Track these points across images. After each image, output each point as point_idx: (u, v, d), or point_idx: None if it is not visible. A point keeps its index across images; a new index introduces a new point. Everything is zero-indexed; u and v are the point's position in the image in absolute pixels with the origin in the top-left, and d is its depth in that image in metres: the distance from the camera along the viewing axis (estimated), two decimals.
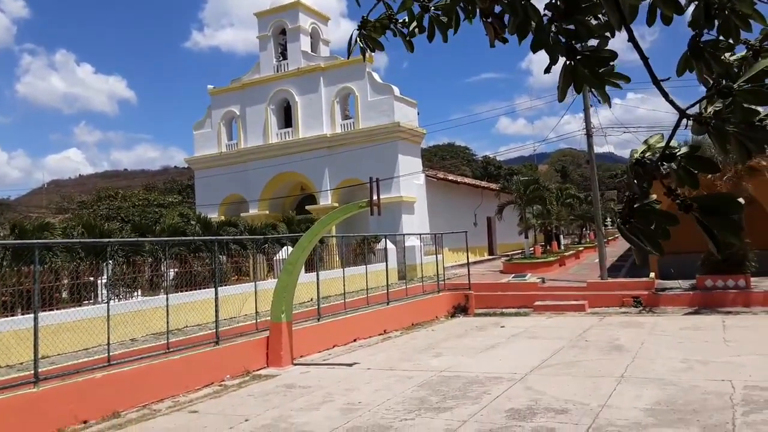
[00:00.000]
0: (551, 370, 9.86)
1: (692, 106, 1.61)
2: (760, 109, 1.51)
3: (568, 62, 1.73)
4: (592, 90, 1.85)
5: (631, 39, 1.65)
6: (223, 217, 26.55)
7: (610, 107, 1.81)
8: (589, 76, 1.72)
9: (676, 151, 1.58)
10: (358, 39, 2.37)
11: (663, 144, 1.62)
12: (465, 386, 8.94)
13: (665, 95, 1.67)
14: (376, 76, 27.66)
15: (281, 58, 29.75)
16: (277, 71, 29.47)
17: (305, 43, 29.40)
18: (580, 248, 34.56)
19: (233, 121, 31.07)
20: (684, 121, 1.60)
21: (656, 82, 1.63)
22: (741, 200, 1.53)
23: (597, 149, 21.78)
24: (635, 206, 1.57)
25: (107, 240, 12.10)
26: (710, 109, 1.56)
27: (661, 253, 1.55)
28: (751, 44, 2.14)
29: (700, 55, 1.85)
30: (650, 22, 1.79)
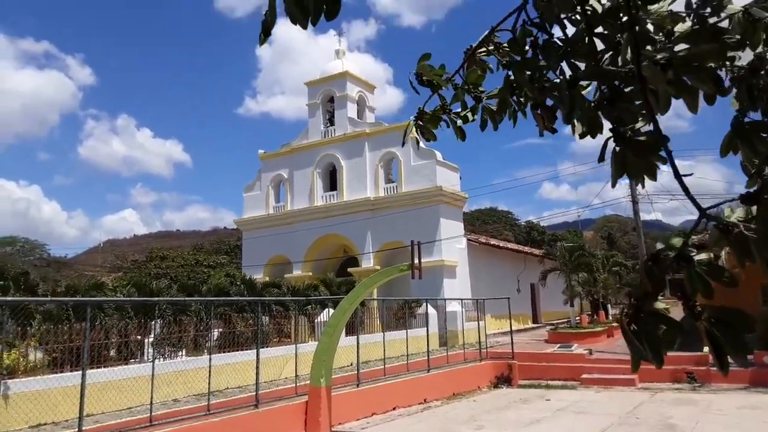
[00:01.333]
0: None
1: (713, 207, 1.58)
2: None
3: (617, 148, 1.72)
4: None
5: (656, 130, 1.66)
6: (267, 278, 26.98)
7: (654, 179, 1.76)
8: (641, 163, 1.69)
9: (694, 254, 1.48)
10: (414, 128, 2.49)
11: (676, 240, 1.55)
12: None
13: (686, 191, 1.62)
14: (420, 140, 28.23)
15: (329, 124, 30.86)
16: (325, 136, 30.50)
17: (352, 109, 30.48)
18: None
19: (281, 184, 32.05)
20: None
21: (678, 177, 1.60)
22: (753, 320, 1.47)
23: (644, 216, 21.43)
24: (644, 306, 1.48)
25: (156, 299, 12.47)
26: (734, 217, 1.50)
27: (661, 364, 1.47)
28: None
29: (744, 135, 1.82)
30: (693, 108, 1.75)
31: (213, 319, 14.25)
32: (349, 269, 28.05)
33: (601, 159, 1.84)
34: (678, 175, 1.59)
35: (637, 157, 1.71)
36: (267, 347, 14.31)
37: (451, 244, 26.72)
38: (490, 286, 27.39)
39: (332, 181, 30.44)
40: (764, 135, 1.84)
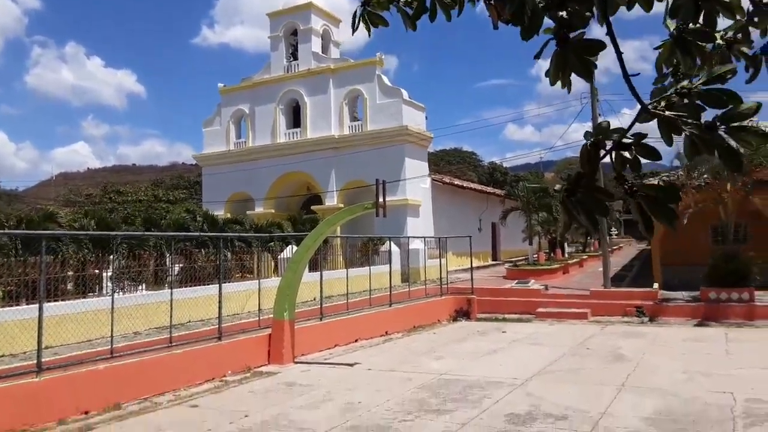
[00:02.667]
0: (552, 376, 9.86)
1: (652, 102, 1.77)
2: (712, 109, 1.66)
3: (558, 49, 1.83)
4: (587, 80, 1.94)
5: (609, 33, 1.76)
6: (229, 215, 26.67)
7: (569, 91, 1.98)
8: (578, 63, 1.82)
9: (630, 141, 1.75)
10: (361, 16, 2.41)
11: (612, 128, 1.79)
12: (465, 390, 8.95)
13: (632, 89, 1.81)
14: (385, 79, 27.72)
15: (292, 59, 29.86)
16: (288, 71, 29.58)
17: (316, 44, 29.50)
18: (584, 257, 34.46)
19: (242, 119, 31.22)
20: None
21: (626, 77, 1.78)
22: (679, 191, 1.72)
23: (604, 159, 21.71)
24: (580, 183, 1.72)
25: (113, 233, 12.17)
26: (663, 103, 1.73)
27: (596, 227, 1.75)
28: (724, 37, 2.23)
29: (683, 44, 1.99)
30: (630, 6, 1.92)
31: (173, 254, 14.07)
32: (313, 207, 27.94)
33: (537, 56, 1.93)
34: (626, 76, 1.77)
35: (577, 58, 1.82)
36: (229, 282, 14.29)
37: (416, 183, 26.79)
38: (453, 224, 27.77)
39: (295, 118, 29.79)
40: (702, 44, 2.00)
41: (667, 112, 1.69)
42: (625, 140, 1.76)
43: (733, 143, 1.60)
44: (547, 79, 1.94)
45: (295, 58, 29.67)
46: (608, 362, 10.91)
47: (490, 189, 39.93)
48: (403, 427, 7.18)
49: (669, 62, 2.20)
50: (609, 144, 1.78)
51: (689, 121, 1.64)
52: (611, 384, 9.08)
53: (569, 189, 1.73)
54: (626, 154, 1.75)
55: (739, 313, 15.48)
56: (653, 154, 1.75)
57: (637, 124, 1.78)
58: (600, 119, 20.22)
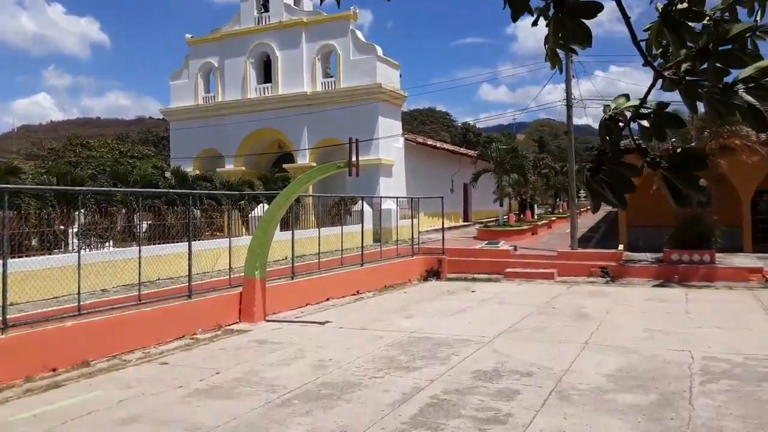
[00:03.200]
0: (518, 334, 10.11)
1: (668, 67, 1.71)
2: (731, 70, 1.61)
3: (555, 15, 1.78)
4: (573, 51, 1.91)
5: None
6: (198, 171, 26.19)
7: (561, 71, 1.91)
8: (576, 29, 1.77)
9: (649, 110, 1.69)
10: None
11: (630, 104, 1.73)
12: (434, 347, 9.13)
13: (643, 55, 1.75)
14: (359, 34, 27.15)
15: (263, 10, 28.93)
16: (258, 23, 28.71)
17: None
18: (553, 218, 35.08)
19: (211, 72, 30.36)
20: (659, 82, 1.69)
21: (636, 42, 1.71)
22: (706, 159, 1.67)
23: (576, 121, 21.94)
24: (604, 161, 1.67)
25: (80, 188, 11.84)
26: (683, 67, 1.66)
27: (624, 205, 1.69)
28: (711, 16, 2.22)
29: (671, 24, 1.93)
30: None
31: (142, 211, 13.80)
32: (285, 165, 27.64)
33: (535, 24, 1.90)
34: (636, 40, 1.72)
35: (574, 23, 1.77)
36: (199, 240, 14.13)
37: (389, 143, 26.63)
38: (426, 185, 27.82)
39: (266, 73, 29.09)
40: (691, 24, 1.95)
41: (687, 78, 1.64)
42: (643, 110, 1.70)
43: (755, 103, 1.55)
44: (523, 39, 1.89)
45: (266, 10, 28.76)
46: (573, 321, 11.22)
47: (463, 150, 40.00)
48: (374, 383, 7.31)
49: (658, 44, 2.17)
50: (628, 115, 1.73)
51: (708, 84, 1.59)
52: (575, 342, 9.35)
53: (592, 168, 1.69)
54: (645, 123, 1.70)
55: (700, 274, 16.01)
56: (677, 122, 1.70)
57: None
58: (573, 81, 20.27)
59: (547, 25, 1.83)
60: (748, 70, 1.56)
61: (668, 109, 1.76)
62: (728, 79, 1.63)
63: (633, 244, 19.41)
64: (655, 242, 17.91)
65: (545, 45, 1.86)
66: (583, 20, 1.75)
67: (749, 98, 1.54)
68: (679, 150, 1.62)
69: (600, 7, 1.75)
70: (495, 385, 7.15)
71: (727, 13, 2.21)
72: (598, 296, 14.20)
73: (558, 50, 1.90)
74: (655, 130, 1.68)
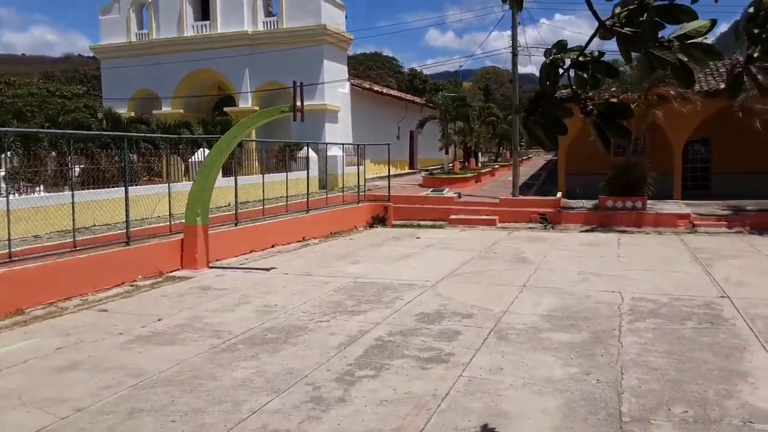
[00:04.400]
0: (461, 278, 10.40)
1: (609, 18, 1.77)
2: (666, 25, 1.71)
3: None
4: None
5: None
6: (132, 114, 24.98)
7: (521, 9, 1.93)
8: None
9: (588, 58, 1.78)
10: None
11: (571, 50, 1.80)
12: (379, 292, 9.28)
13: (589, 5, 1.79)
14: None
15: None
16: None
17: None
18: (496, 166, 35.71)
19: (144, 7, 28.54)
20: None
21: None
22: (629, 107, 1.78)
23: (521, 69, 22.05)
24: (541, 104, 1.78)
25: (4, 129, 11.05)
26: (623, 18, 1.74)
27: (555, 146, 1.86)
28: None
29: None
30: None
31: (73, 154, 13.10)
32: (225, 108, 26.69)
33: None
34: None
35: None
36: (136, 185, 13.61)
37: (334, 87, 26.08)
38: (372, 132, 27.59)
39: (204, 10, 27.60)
40: None
41: (625, 29, 1.71)
42: (581, 58, 1.78)
43: (685, 60, 1.65)
44: None
45: None
46: (512, 265, 11.61)
47: (409, 96, 39.74)
48: (319, 327, 7.39)
49: None
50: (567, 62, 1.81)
51: (645, 38, 1.67)
52: (514, 284, 9.71)
53: (529, 109, 1.78)
54: (583, 74, 1.79)
55: (632, 220, 16.78)
56: (611, 71, 1.78)
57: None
58: (519, 28, 20.26)
59: None
60: (687, 26, 1.64)
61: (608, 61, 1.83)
62: (665, 34, 1.70)
63: (571, 192, 20.08)
64: (592, 190, 18.57)
65: None
66: None
67: (681, 55, 1.65)
68: (607, 100, 1.77)
69: None
70: (437, 326, 7.37)
71: None
72: (537, 241, 14.71)
73: None
74: (590, 77, 1.76)
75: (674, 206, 17.97)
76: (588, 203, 18.39)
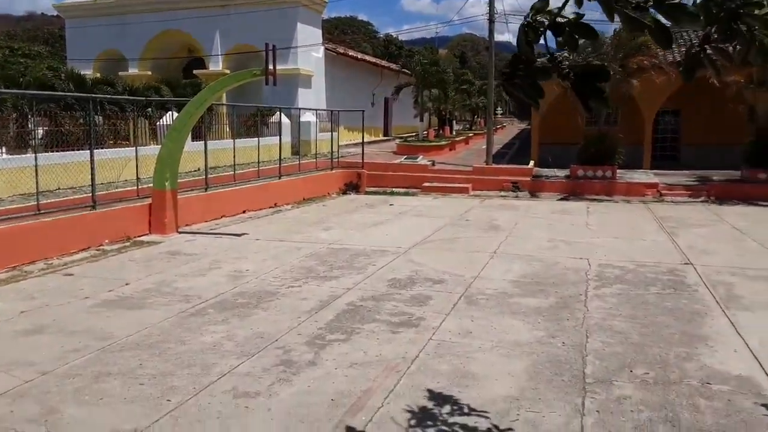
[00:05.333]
0: (433, 245, 10.45)
1: None
2: None
3: None
4: None
5: None
6: (98, 75, 24.14)
7: None
8: None
9: (565, 20, 1.76)
10: None
11: (549, 7, 1.78)
12: (352, 258, 9.28)
13: None
14: None
15: None
16: None
17: None
18: (471, 134, 35.72)
19: None
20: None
21: None
22: (608, 70, 1.79)
23: (498, 37, 21.92)
24: (520, 66, 1.78)
25: None
26: None
27: (537, 106, 1.84)
28: None
29: None
30: None
31: (37, 116, 12.65)
32: (195, 71, 25.95)
33: None
34: None
35: None
36: (102, 149, 13.25)
37: (308, 52, 25.54)
38: (346, 98, 27.24)
39: None
40: None
41: None
42: (559, 20, 1.75)
43: (662, 20, 1.64)
44: None
45: None
46: (484, 232, 11.72)
47: (384, 63, 39.22)
48: (291, 292, 7.38)
49: None
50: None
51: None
52: (485, 251, 9.81)
53: (508, 73, 1.79)
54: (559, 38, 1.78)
55: (601, 188, 17.04)
56: (590, 33, 1.75)
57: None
58: None
59: None
60: None
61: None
62: None
63: (544, 161, 20.24)
64: (564, 159, 18.74)
65: None
66: None
67: (658, 16, 1.64)
68: (584, 62, 1.75)
69: None
70: (409, 292, 7.42)
71: None
72: (509, 209, 14.84)
73: None
74: (569, 39, 1.74)
75: (643, 176, 18.27)
76: (560, 172, 18.57)
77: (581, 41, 1.75)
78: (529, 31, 1.77)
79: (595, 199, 16.46)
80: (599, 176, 17.39)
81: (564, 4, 1.75)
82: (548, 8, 1.78)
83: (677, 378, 4.90)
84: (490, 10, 20.27)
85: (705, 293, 7.40)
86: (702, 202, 15.84)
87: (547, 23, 1.75)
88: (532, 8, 1.79)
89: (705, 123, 20.90)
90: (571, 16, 1.76)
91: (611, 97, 16.49)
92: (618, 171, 17.50)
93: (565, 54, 1.81)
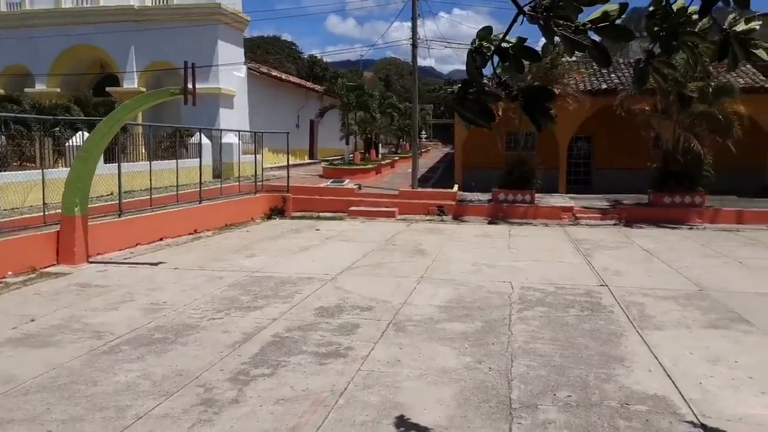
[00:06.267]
0: (360, 270, 10.39)
1: (528, 4, 1.83)
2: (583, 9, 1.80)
3: None
4: None
5: None
6: (2, 91, 22.58)
7: None
8: None
9: (510, 44, 1.85)
10: None
11: (493, 35, 1.86)
12: (277, 286, 9.04)
13: None
14: None
15: None
16: None
17: None
18: (396, 158, 36.20)
19: None
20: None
21: None
22: (554, 90, 2.04)
23: (420, 62, 22.42)
24: (470, 90, 1.87)
25: None
26: (543, 3, 1.80)
27: (489, 125, 1.92)
28: None
29: None
30: None
31: None
32: (108, 89, 24.81)
33: None
34: None
35: None
36: (5, 171, 12.32)
37: (230, 71, 25.07)
38: (270, 119, 26.91)
39: None
40: None
41: (548, 14, 1.77)
42: (504, 45, 1.84)
43: (599, 41, 1.73)
44: None
45: None
46: (411, 257, 11.79)
47: (309, 84, 39.17)
48: (212, 325, 7.06)
49: None
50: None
51: (561, 22, 1.73)
52: (412, 276, 9.85)
53: (458, 97, 1.86)
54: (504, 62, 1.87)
55: (522, 212, 17.67)
56: (534, 56, 1.84)
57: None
58: (419, 21, 20.56)
59: None
60: (596, 13, 1.72)
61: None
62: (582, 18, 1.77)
63: (467, 185, 20.77)
64: (487, 183, 19.31)
65: None
66: None
67: (596, 37, 1.73)
68: (531, 85, 1.84)
69: None
70: (337, 320, 7.29)
71: None
72: (435, 233, 15.06)
73: None
74: (515, 62, 1.83)
75: (560, 199, 19.12)
76: (483, 196, 19.11)
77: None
78: (476, 56, 1.85)
79: (516, 223, 17.02)
80: (519, 200, 18.03)
81: (509, 29, 1.83)
82: (492, 35, 1.86)
83: (598, 400, 5.05)
84: (413, 35, 20.76)
85: (620, 314, 7.75)
86: (614, 224, 16.75)
87: (493, 48, 1.83)
88: (477, 35, 1.86)
89: (614, 149, 22.23)
90: (514, 41, 1.85)
91: (526, 122, 17.18)
92: (536, 195, 18.22)
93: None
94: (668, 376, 5.60)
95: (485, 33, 1.84)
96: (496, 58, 1.84)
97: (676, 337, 6.81)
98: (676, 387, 5.33)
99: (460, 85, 1.85)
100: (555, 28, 1.73)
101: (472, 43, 1.82)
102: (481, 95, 1.84)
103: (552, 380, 5.46)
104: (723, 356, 6.16)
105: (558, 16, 1.74)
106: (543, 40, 1.86)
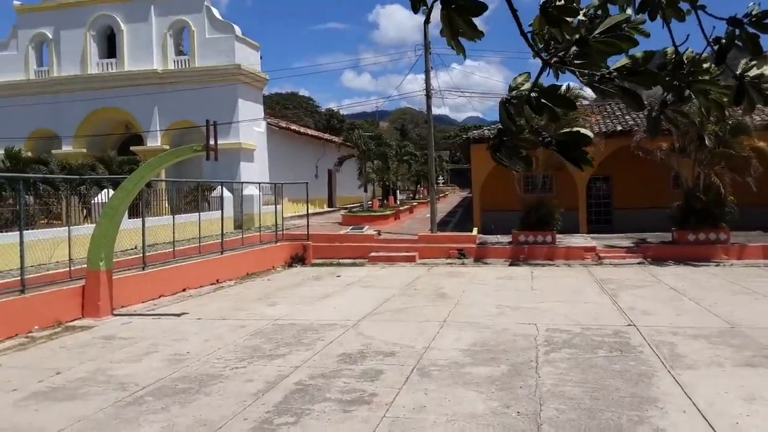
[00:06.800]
0: (382, 316, 10.31)
1: (553, 55, 1.88)
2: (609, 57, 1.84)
3: (444, 11, 1.86)
4: (452, 44, 1.98)
5: None
6: (30, 153, 23.39)
7: (465, 57, 2.02)
8: (465, 25, 1.87)
9: (537, 92, 1.86)
10: None
11: (528, 82, 1.90)
12: (299, 333, 9.00)
13: (531, 45, 1.89)
14: (215, 11, 25.82)
15: None
16: None
17: None
18: (414, 203, 36.36)
19: (44, 44, 27.18)
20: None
21: (523, 34, 1.86)
22: (590, 134, 1.88)
23: (434, 110, 22.81)
24: (505, 138, 1.90)
25: None
26: (570, 53, 1.86)
27: (529, 168, 1.95)
28: (587, 13, 2.38)
29: (550, 18, 2.06)
30: None
31: None
32: (133, 148, 25.59)
33: (427, 21, 1.95)
34: (522, 32, 1.86)
35: (461, 18, 1.84)
36: (33, 229, 12.64)
37: (250, 126, 25.75)
38: (289, 171, 27.37)
39: (110, 47, 26.65)
40: (570, 19, 2.08)
41: (575, 62, 1.81)
42: (533, 93, 1.85)
43: (629, 87, 1.76)
44: (384, 27, 1.92)
45: None
46: (432, 301, 11.69)
47: (327, 136, 39.93)
48: (235, 374, 7.02)
49: (541, 37, 2.27)
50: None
51: (587, 71, 1.78)
52: (435, 320, 9.74)
53: (494, 145, 1.87)
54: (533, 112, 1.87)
55: (543, 253, 17.50)
56: (570, 104, 1.87)
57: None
58: (432, 72, 21.04)
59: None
60: (622, 61, 1.78)
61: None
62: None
63: (486, 227, 20.71)
64: (506, 225, 19.25)
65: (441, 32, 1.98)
66: (471, 17, 1.84)
67: (625, 83, 1.78)
68: (564, 131, 1.84)
69: (485, 7, 1.84)
70: (360, 366, 7.21)
71: (600, 11, 2.38)
72: (456, 276, 14.95)
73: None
74: (549, 110, 1.85)
75: (581, 239, 18.93)
76: (503, 238, 19.01)
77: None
78: (509, 106, 1.87)
79: (538, 264, 16.84)
80: (540, 241, 17.89)
81: (537, 79, 1.86)
82: (526, 83, 1.90)
83: None
84: (426, 87, 21.19)
85: (650, 354, 7.54)
86: (639, 263, 16.47)
87: (524, 97, 1.85)
88: (511, 85, 1.91)
89: (633, 188, 22.10)
90: (544, 88, 1.88)
91: (544, 166, 17.30)
92: (557, 236, 18.08)
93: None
94: (703, 417, 5.40)
95: (521, 79, 1.90)
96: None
97: (709, 376, 6.60)
98: (712, 428, 5.13)
99: (496, 135, 1.90)
100: (580, 78, 1.80)
101: (507, 93, 1.88)
102: (518, 143, 1.88)
103: (583, 424, 5.29)
104: (759, 394, 5.94)
105: (583, 65, 1.80)
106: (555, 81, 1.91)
